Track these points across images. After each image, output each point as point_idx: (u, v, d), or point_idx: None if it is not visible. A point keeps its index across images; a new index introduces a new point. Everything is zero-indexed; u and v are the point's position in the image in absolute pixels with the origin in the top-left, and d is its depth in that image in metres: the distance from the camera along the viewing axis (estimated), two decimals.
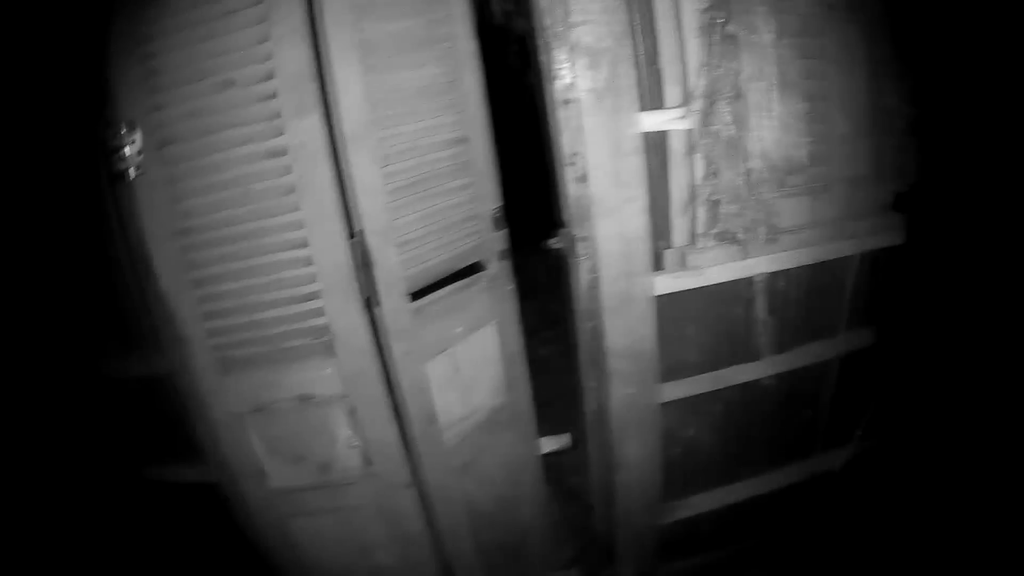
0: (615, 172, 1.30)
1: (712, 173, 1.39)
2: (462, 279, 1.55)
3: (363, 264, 1.33)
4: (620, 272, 1.37)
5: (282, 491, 1.48)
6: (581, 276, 1.38)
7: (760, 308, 1.58)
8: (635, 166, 1.31)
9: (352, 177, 1.27)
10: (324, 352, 1.36)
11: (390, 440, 1.45)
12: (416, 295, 1.44)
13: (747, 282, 1.54)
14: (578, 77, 1.24)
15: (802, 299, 1.63)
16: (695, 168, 1.39)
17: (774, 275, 1.55)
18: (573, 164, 1.30)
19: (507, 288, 1.63)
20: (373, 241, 1.32)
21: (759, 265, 1.50)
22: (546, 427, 1.83)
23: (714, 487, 1.77)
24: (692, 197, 1.42)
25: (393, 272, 1.37)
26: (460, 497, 1.61)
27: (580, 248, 1.35)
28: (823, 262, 1.58)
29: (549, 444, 1.95)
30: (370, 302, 1.35)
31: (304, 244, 1.28)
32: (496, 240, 1.58)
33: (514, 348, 1.66)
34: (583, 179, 1.30)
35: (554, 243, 1.42)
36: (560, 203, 1.37)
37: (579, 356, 1.58)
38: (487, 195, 1.53)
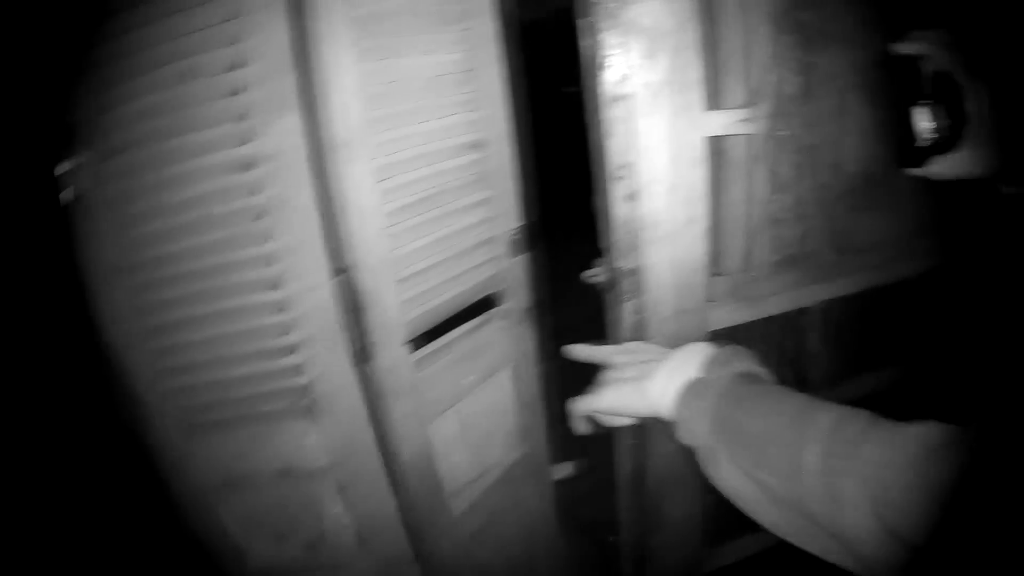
0: (674, 187, 1.04)
1: (778, 187, 1.15)
2: (473, 318, 1.28)
3: (353, 308, 1.04)
4: (672, 310, 1.11)
5: (263, 570, 1.19)
6: (624, 317, 1.11)
7: (813, 339, 1.35)
8: (698, 179, 1.05)
9: (341, 195, 0.98)
10: (305, 417, 1.08)
11: (388, 515, 1.18)
12: (418, 340, 1.16)
13: (800, 311, 1.31)
14: (632, 67, 0.97)
15: (857, 327, 1.42)
16: (756, 181, 1.14)
17: (829, 302, 1.32)
18: (622, 178, 1.03)
19: (525, 325, 1.36)
20: (367, 278, 1.03)
21: (819, 292, 1.27)
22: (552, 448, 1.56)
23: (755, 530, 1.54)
24: (750, 215, 1.17)
25: (391, 317, 1.08)
26: (471, 569, 1.34)
27: (626, 284, 1.08)
28: (883, 286, 1.37)
29: (558, 472, 1.71)
30: (362, 355, 1.07)
31: (278, 284, 0.99)
32: (516, 267, 1.31)
33: (531, 393, 1.40)
34: (634, 196, 1.03)
35: (592, 276, 1.15)
36: (601, 227, 1.10)
37: None
38: (507, 213, 1.26)
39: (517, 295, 1.33)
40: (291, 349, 1.03)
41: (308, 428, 1.08)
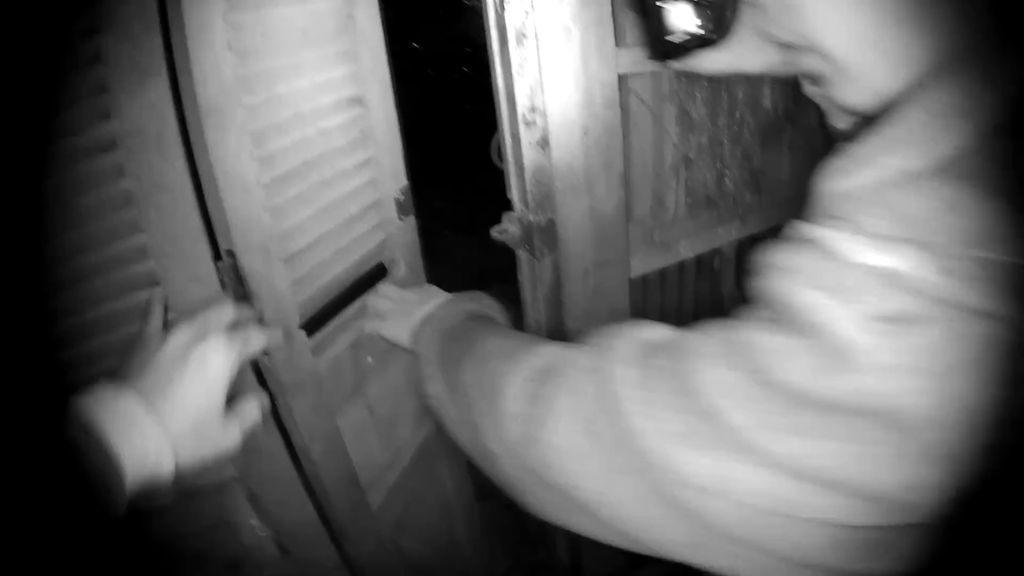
0: (588, 131, 0.96)
1: (689, 127, 1.10)
2: (364, 291, 1.15)
3: (239, 296, 0.89)
4: (591, 263, 1.04)
5: None
6: (541, 276, 1.04)
7: (727, 281, 1.35)
8: (614, 121, 0.97)
9: (213, 169, 0.81)
10: None
11: (307, 520, 1.05)
12: (311, 324, 1.03)
13: (715, 253, 1.29)
14: (538, 2, 0.87)
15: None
16: (666, 121, 1.09)
17: (742, 241, 1.31)
18: (532, 124, 0.93)
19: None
20: (249, 262, 0.88)
21: (733, 232, 1.25)
22: None
23: None
24: (661, 158, 1.12)
25: (282, 302, 0.94)
26: (397, 562, 1.25)
27: (541, 239, 1.00)
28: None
29: None
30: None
31: (155, 281, 0.82)
32: (405, 231, 1.19)
33: None
34: (545, 143, 0.95)
35: (500, 233, 1.05)
36: (510, 178, 1.01)
37: None
38: (392, 172, 1.13)
39: (409, 261, 1.22)
40: None
41: None
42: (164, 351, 0.64)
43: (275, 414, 0.98)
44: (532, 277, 1.06)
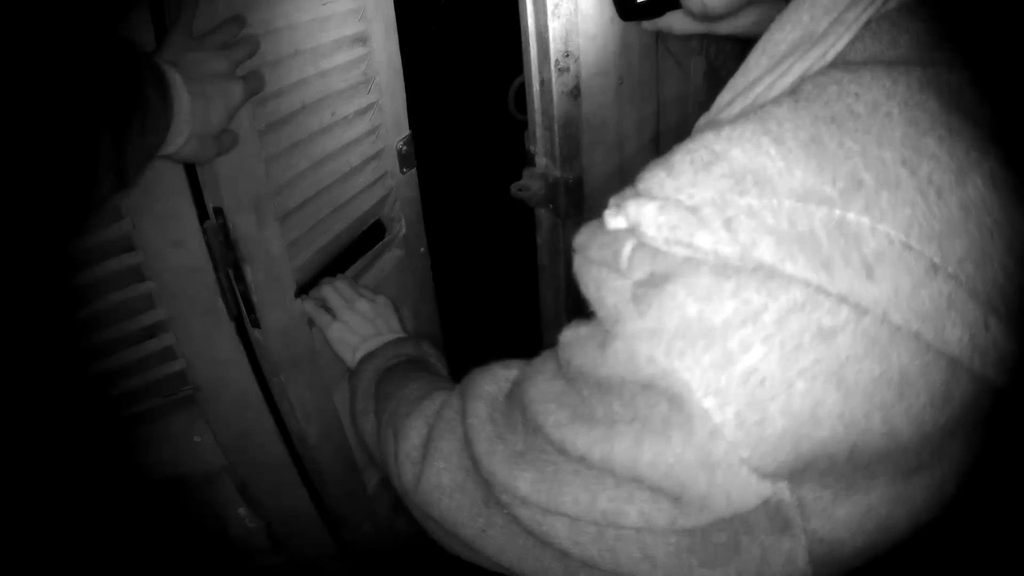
0: (622, 81, 0.86)
1: (715, 86, 1.01)
2: (363, 250, 1.04)
3: (228, 262, 0.77)
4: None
5: None
6: (564, 239, 0.95)
7: None
8: (649, 72, 0.88)
9: None
10: (188, 411, 0.81)
11: (302, 509, 0.96)
12: (304, 289, 0.92)
13: None
14: None
15: None
16: (694, 78, 0.99)
17: None
18: (565, 70, 0.83)
19: (421, 253, 1.15)
20: (242, 222, 0.77)
21: None
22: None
23: None
24: (686, 117, 1.03)
25: (276, 266, 0.83)
26: (394, 545, 1.17)
27: (565, 198, 0.91)
28: None
29: None
30: (245, 321, 0.82)
31: (131, 246, 0.70)
32: (407, 185, 1.07)
33: (432, 332, 1.20)
34: (577, 92, 0.85)
35: (520, 190, 0.95)
36: (534, 129, 0.91)
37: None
38: (395, 120, 1.01)
39: (409, 218, 1.11)
40: (157, 328, 0.75)
41: (194, 423, 0.83)
42: (201, 61, 0.64)
43: (267, 396, 0.88)
44: (552, 240, 0.97)
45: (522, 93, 0.89)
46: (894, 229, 0.28)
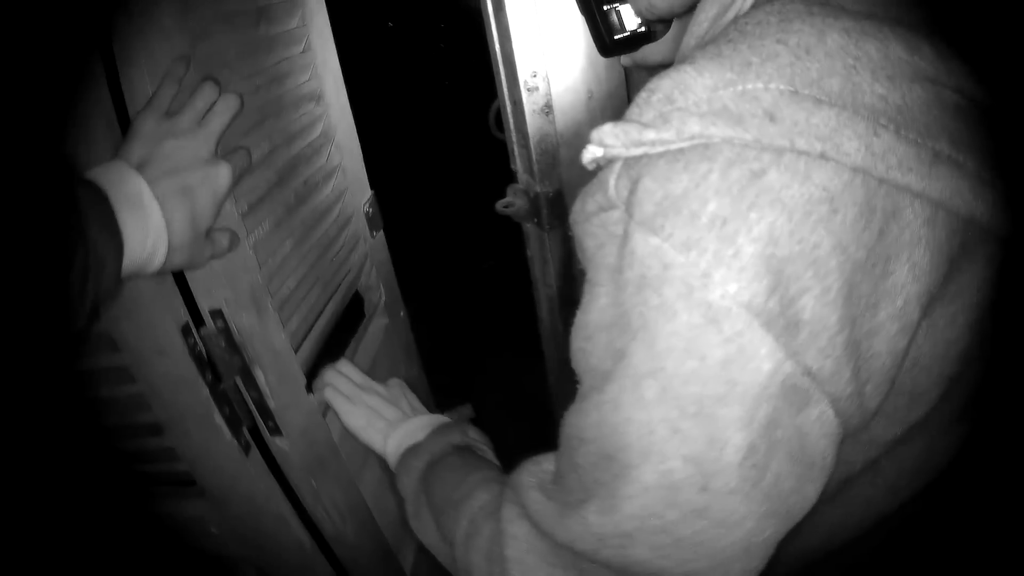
0: (591, 94, 0.86)
1: None
2: (350, 329, 0.95)
3: (234, 370, 0.68)
4: None
5: None
6: (552, 249, 0.93)
7: None
8: (617, 83, 0.87)
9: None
10: (203, 502, 0.71)
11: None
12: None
13: None
14: None
15: None
16: None
17: None
18: (534, 89, 0.81)
19: (401, 317, 1.07)
20: (243, 321, 0.67)
21: None
22: None
23: None
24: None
25: (284, 362, 0.74)
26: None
27: (548, 211, 0.90)
28: None
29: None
30: (262, 430, 0.72)
31: (115, 347, 0.60)
32: (377, 248, 1.00)
33: (423, 391, 1.12)
34: (548, 109, 0.83)
35: (505, 207, 0.93)
36: (512, 147, 0.89)
37: (548, 366, 1.11)
38: (358, 181, 0.94)
39: (385, 282, 1.04)
40: (156, 429, 0.65)
41: (209, 514, 0.72)
42: (178, 149, 0.56)
43: (295, 504, 0.77)
44: (541, 251, 0.95)
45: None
46: (782, 84, 0.36)
